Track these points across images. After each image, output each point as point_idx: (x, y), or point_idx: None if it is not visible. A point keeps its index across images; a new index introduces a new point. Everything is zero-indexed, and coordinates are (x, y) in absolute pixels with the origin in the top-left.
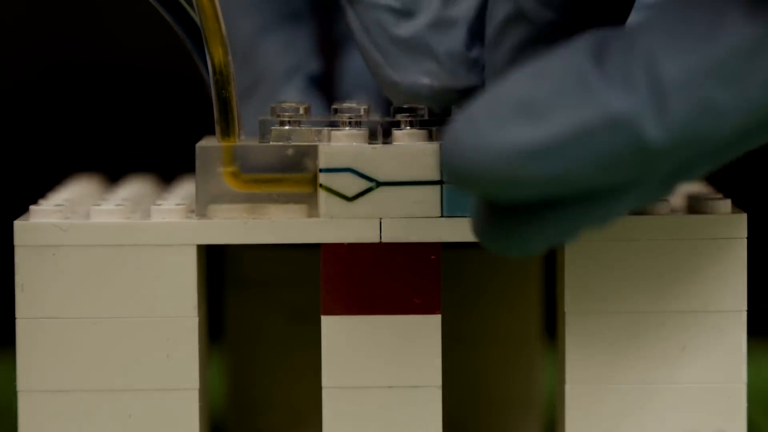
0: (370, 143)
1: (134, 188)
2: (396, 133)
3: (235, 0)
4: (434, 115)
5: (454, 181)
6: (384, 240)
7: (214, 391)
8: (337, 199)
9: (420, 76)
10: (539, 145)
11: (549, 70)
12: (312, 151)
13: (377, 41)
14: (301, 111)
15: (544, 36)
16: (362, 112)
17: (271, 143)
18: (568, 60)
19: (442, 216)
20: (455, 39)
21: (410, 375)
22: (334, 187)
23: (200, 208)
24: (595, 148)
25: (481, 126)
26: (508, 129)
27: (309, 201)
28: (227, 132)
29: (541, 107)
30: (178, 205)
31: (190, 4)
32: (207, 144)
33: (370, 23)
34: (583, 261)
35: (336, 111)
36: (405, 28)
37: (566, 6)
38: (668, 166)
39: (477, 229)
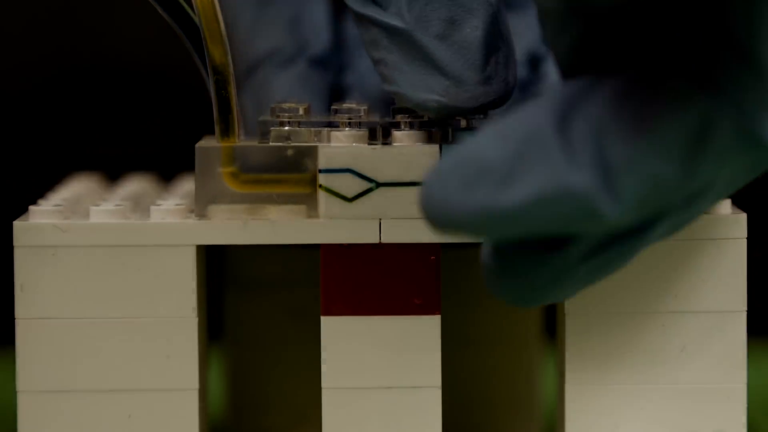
0: (369, 144)
1: (134, 188)
2: (396, 133)
3: None
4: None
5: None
6: (384, 240)
7: (214, 391)
8: (337, 200)
9: (431, 94)
10: (501, 210)
11: (514, 132)
12: (311, 152)
13: (385, 56)
14: (301, 111)
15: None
16: (362, 113)
17: (270, 143)
18: (533, 123)
19: None
20: (466, 56)
21: (410, 375)
22: (334, 187)
23: (200, 208)
24: (553, 213)
25: (450, 186)
26: (474, 192)
27: (308, 201)
28: (227, 132)
29: (504, 173)
30: (178, 205)
31: (190, 4)
32: (207, 144)
33: (379, 38)
34: None
35: (336, 111)
36: (412, 44)
37: None
38: (633, 225)
39: (487, 277)
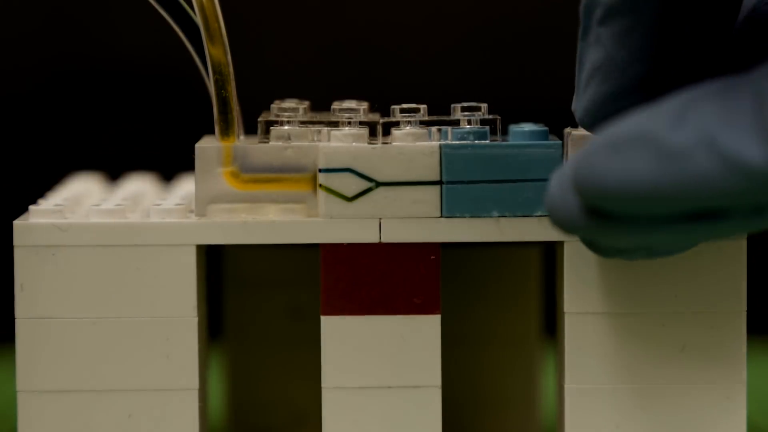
0: (369, 143)
1: (134, 188)
2: (396, 133)
3: None
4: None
5: (588, 200)
6: (383, 240)
7: (214, 391)
8: (337, 199)
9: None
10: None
11: (667, 106)
12: (312, 151)
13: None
14: (301, 111)
15: (631, 89)
16: (362, 112)
17: (270, 143)
18: (688, 97)
19: (441, 216)
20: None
21: (410, 375)
22: (334, 187)
23: (200, 208)
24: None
25: (619, 161)
26: (628, 164)
27: (308, 201)
28: (227, 132)
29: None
30: (178, 205)
31: (190, 4)
32: (207, 144)
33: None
34: (583, 261)
35: (336, 111)
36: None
37: (656, 61)
38: None
39: (577, 228)
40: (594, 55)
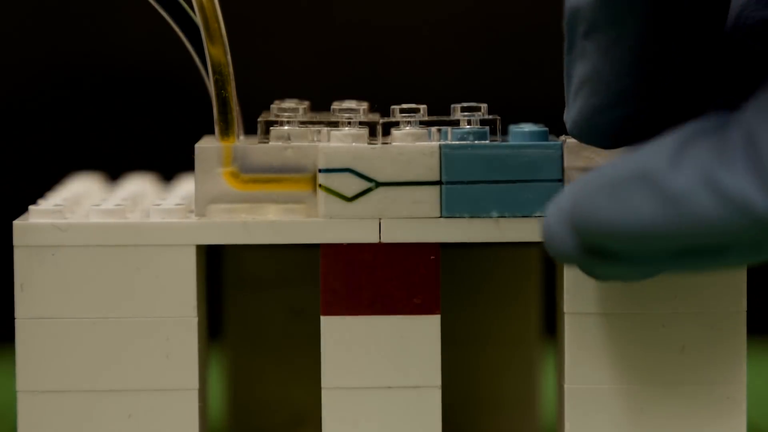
0: (369, 143)
1: (134, 188)
2: (395, 133)
3: None
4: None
5: (587, 240)
6: (383, 240)
7: (214, 391)
8: (337, 200)
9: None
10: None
11: (665, 145)
12: (311, 152)
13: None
14: (301, 111)
15: (618, 102)
16: (362, 112)
17: (270, 143)
18: (685, 135)
19: (441, 216)
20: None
21: (410, 375)
22: (334, 187)
23: (200, 208)
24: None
25: (605, 198)
26: (634, 204)
27: (308, 201)
28: (227, 132)
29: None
30: (178, 205)
31: (190, 4)
32: (206, 144)
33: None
34: None
35: (335, 111)
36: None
37: (642, 74)
38: None
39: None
40: (581, 69)
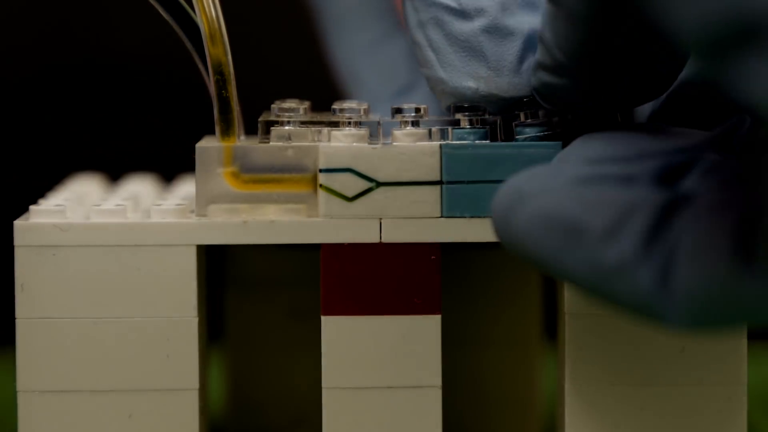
0: (370, 143)
1: (134, 188)
2: (396, 133)
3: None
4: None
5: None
6: (384, 240)
7: (214, 391)
8: (337, 200)
9: (467, 79)
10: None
11: (610, 205)
12: (312, 151)
13: (431, 37)
14: (301, 111)
15: (554, 69)
16: (362, 112)
17: (271, 143)
18: (632, 198)
19: (442, 216)
20: (508, 48)
21: (410, 375)
22: (334, 187)
23: (200, 208)
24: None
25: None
26: (558, 249)
27: (309, 201)
28: (227, 132)
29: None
30: (178, 205)
31: (190, 4)
32: (207, 144)
33: (426, 19)
34: None
35: (336, 111)
36: (460, 28)
37: (579, 59)
38: None
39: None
40: (541, 22)
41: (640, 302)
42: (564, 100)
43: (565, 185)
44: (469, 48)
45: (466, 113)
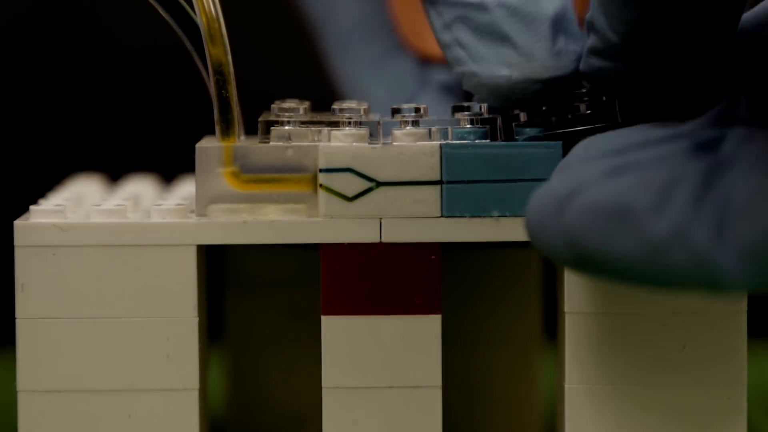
0: (370, 143)
1: (134, 188)
2: (396, 133)
3: None
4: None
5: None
6: (384, 240)
7: (214, 391)
8: (337, 199)
9: (500, 68)
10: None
11: (652, 182)
12: (312, 151)
13: (459, 36)
14: (301, 111)
15: (607, 53)
16: (362, 112)
17: (271, 143)
18: (673, 173)
19: (442, 216)
20: (535, 31)
21: (410, 375)
22: (334, 187)
23: (200, 208)
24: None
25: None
26: (606, 236)
27: (309, 201)
28: (227, 132)
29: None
30: (178, 205)
31: (190, 4)
32: (207, 144)
33: (451, 20)
34: None
35: (336, 111)
36: (484, 20)
37: (630, 45)
38: None
39: None
40: (591, 8)
41: (698, 266)
42: (616, 83)
43: (600, 178)
44: (496, 38)
45: (466, 113)
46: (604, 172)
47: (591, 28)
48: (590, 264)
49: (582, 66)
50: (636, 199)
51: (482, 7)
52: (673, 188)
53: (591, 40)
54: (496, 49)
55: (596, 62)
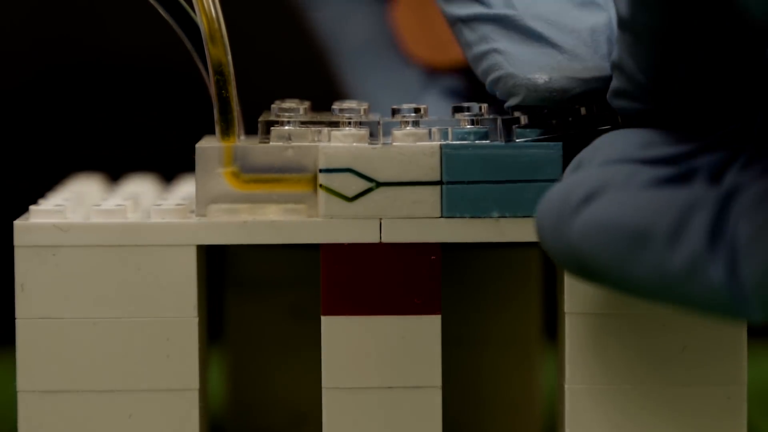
0: (370, 143)
1: (134, 188)
2: (396, 133)
3: None
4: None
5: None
6: (384, 240)
7: (214, 391)
8: (337, 200)
9: (541, 71)
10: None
11: (670, 207)
12: (312, 151)
13: (495, 46)
14: (301, 111)
15: (637, 95)
16: (362, 112)
17: (271, 143)
18: (691, 197)
19: (442, 216)
20: (578, 35)
21: (410, 375)
22: (334, 187)
23: (200, 208)
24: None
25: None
26: (623, 257)
27: (309, 201)
28: (227, 132)
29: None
30: (178, 205)
31: (191, 4)
32: (207, 144)
33: (487, 32)
34: None
35: (336, 111)
36: (523, 27)
37: (656, 82)
38: None
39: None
40: (615, 53)
41: (716, 300)
42: (642, 121)
43: (616, 189)
44: (538, 40)
45: (466, 114)
46: (620, 183)
47: (618, 71)
48: (598, 278)
49: (611, 103)
50: (655, 225)
51: (519, 19)
52: (690, 216)
53: (617, 82)
54: (539, 50)
55: (623, 103)
